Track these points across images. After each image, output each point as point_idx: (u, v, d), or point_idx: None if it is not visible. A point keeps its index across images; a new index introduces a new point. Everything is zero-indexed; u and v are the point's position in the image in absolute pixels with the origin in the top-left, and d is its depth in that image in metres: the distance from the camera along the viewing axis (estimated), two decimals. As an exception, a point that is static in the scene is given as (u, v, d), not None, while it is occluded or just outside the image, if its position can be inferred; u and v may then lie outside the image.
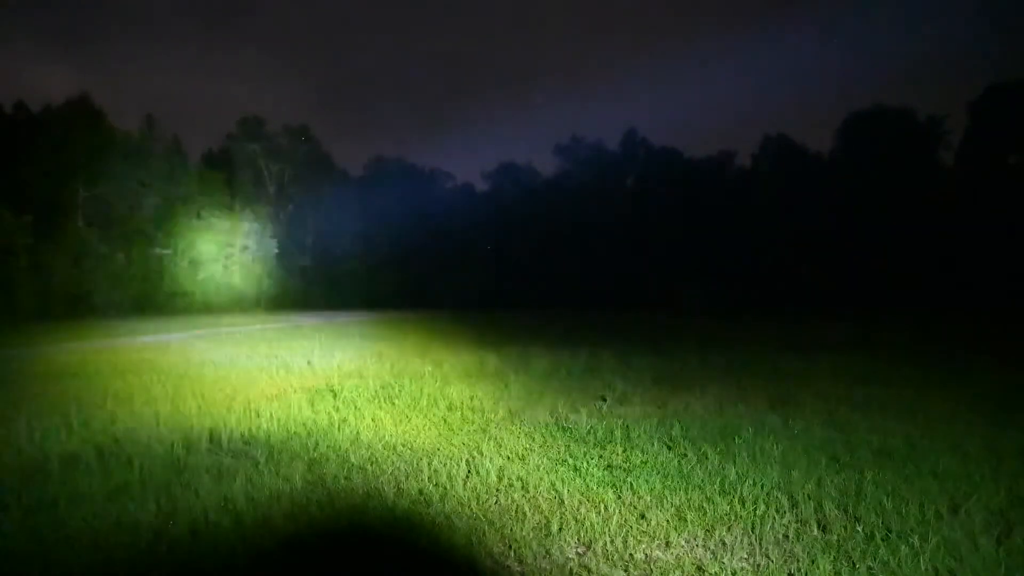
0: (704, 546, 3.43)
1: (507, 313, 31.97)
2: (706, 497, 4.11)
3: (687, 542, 3.49)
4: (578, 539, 3.55)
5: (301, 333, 18.87)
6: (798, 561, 3.24)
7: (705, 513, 3.86)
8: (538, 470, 4.75)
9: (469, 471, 4.71)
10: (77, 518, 3.83)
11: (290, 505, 4.07)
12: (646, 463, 4.89)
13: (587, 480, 4.51)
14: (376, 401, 7.47)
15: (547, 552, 3.40)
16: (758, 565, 3.22)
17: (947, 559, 3.21)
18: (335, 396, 7.75)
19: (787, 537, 3.53)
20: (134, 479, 4.57)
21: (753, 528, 3.63)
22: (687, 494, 4.17)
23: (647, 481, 4.43)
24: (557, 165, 53.31)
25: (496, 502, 4.10)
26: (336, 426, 6.20)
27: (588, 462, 4.93)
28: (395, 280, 43.29)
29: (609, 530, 3.62)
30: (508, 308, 36.83)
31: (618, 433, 5.80)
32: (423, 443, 5.56)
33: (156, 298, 37.71)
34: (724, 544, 3.45)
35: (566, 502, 4.07)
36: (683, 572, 3.16)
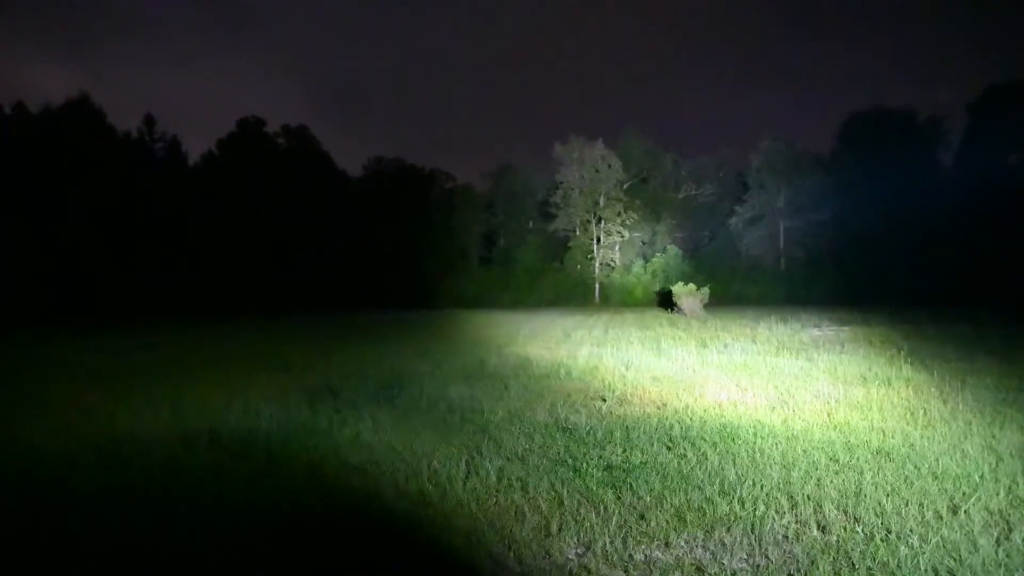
0: (704, 547, 3.43)
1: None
2: (706, 498, 4.11)
3: (687, 543, 3.49)
4: (577, 540, 3.55)
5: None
6: (797, 562, 3.24)
7: (704, 514, 3.86)
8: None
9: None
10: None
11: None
12: (646, 463, 4.89)
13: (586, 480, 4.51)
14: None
15: (547, 552, 3.40)
16: (757, 566, 3.22)
17: (947, 559, 3.21)
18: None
19: (786, 538, 3.53)
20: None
21: (752, 529, 3.63)
22: (687, 495, 4.17)
23: (647, 482, 4.43)
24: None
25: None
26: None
27: (588, 462, 4.93)
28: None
29: (609, 531, 3.62)
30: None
31: (618, 434, 5.80)
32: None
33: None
34: (724, 545, 3.45)
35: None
36: (683, 573, 3.17)
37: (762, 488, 4.24)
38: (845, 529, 3.60)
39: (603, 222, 44.88)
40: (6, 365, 12.50)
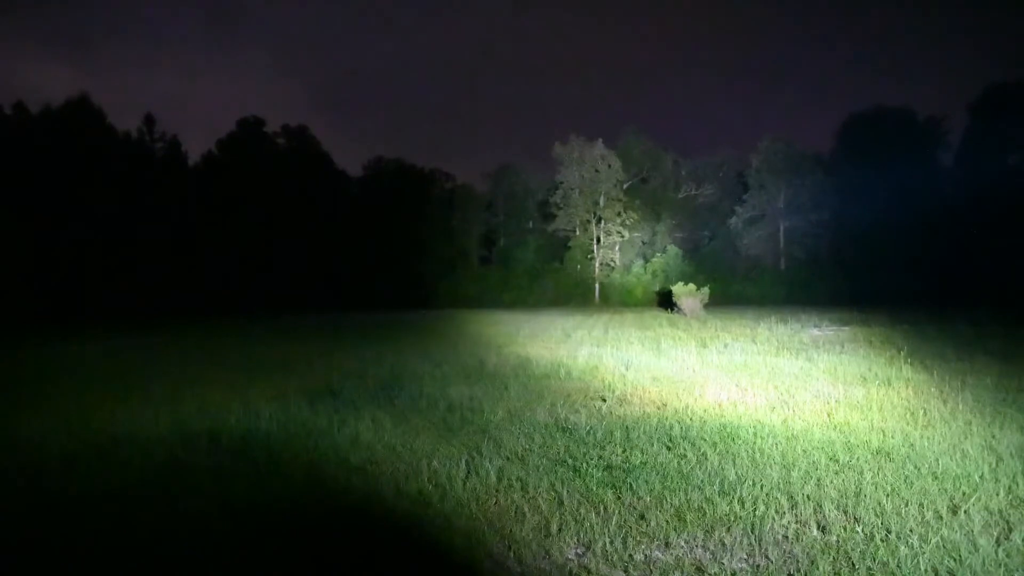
0: (704, 547, 3.43)
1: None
2: (705, 498, 4.11)
3: (687, 543, 3.49)
4: (577, 540, 3.55)
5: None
6: (797, 562, 3.24)
7: (704, 514, 3.86)
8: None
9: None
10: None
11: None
12: (645, 463, 4.89)
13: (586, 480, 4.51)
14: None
15: (547, 552, 3.40)
16: (757, 566, 3.21)
17: (947, 559, 3.21)
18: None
19: (786, 538, 3.53)
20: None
21: (752, 529, 3.63)
22: (687, 495, 4.17)
23: (647, 482, 4.43)
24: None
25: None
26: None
27: (588, 462, 4.93)
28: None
29: (608, 531, 3.62)
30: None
31: (618, 434, 5.80)
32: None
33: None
34: (724, 545, 3.44)
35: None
36: (682, 573, 3.16)
37: (762, 488, 4.24)
38: (845, 529, 3.60)
39: (603, 222, 44.85)
40: (6, 365, 12.50)
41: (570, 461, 4.97)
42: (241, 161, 45.83)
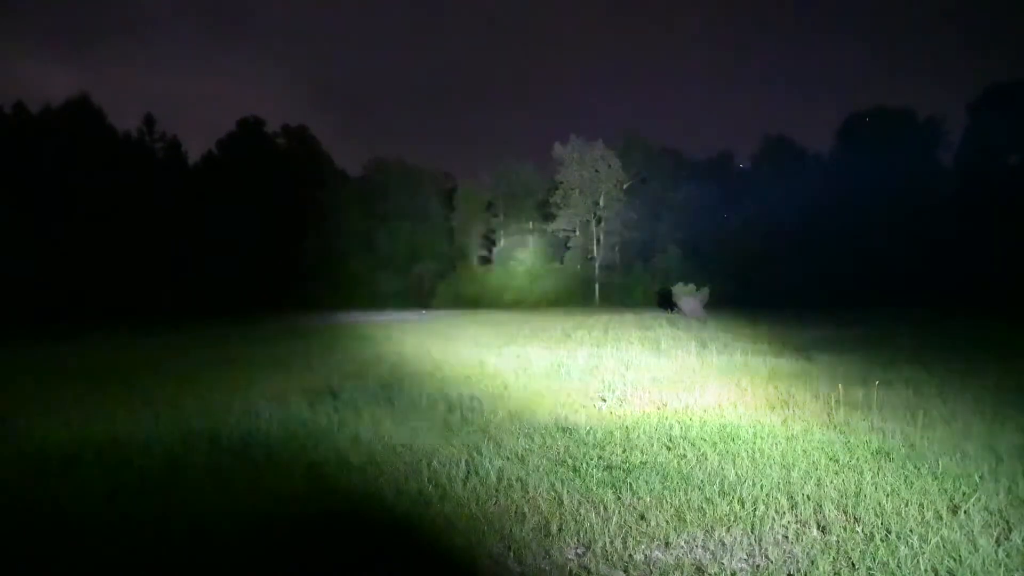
0: (704, 547, 3.43)
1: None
2: (705, 498, 4.11)
3: (687, 543, 3.49)
4: (577, 540, 3.55)
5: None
6: (797, 562, 3.24)
7: (704, 514, 3.86)
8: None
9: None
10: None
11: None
12: (645, 464, 4.88)
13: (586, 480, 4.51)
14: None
15: (547, 552, 3.40)
16: (757, 566, 3.21)
17: (947, 559, 3.21)
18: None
19: (786, 538, 3.53)
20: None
21: (752, 529, 3.63)
22: (686, 495, 4.16)
23: (647, 482, 4.43)
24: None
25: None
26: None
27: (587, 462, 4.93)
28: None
29: (608, 531, 3.62)
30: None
31: (618, 434, 5.80)
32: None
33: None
34: (724, 545, 3.44)
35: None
36: (682, 573, 3.16)
37: (762, 488, 4.24)
38: (845, 529, 3.60)
39: (603, 222, 44.85)
40: (6, 365, 12.50)
41: (570, 461, 4.97)
42: (241, 161, 45.84)
